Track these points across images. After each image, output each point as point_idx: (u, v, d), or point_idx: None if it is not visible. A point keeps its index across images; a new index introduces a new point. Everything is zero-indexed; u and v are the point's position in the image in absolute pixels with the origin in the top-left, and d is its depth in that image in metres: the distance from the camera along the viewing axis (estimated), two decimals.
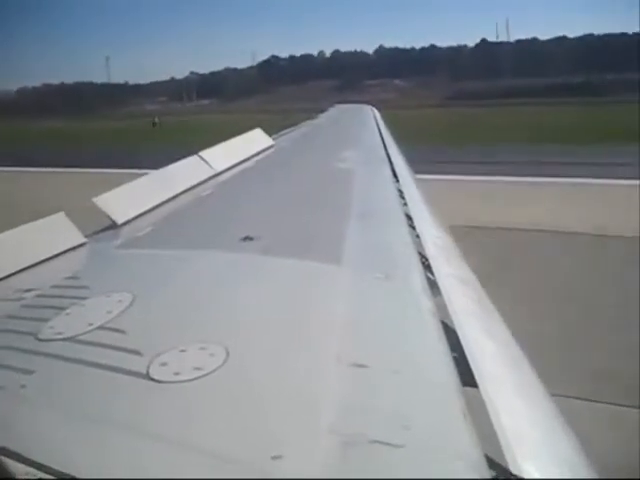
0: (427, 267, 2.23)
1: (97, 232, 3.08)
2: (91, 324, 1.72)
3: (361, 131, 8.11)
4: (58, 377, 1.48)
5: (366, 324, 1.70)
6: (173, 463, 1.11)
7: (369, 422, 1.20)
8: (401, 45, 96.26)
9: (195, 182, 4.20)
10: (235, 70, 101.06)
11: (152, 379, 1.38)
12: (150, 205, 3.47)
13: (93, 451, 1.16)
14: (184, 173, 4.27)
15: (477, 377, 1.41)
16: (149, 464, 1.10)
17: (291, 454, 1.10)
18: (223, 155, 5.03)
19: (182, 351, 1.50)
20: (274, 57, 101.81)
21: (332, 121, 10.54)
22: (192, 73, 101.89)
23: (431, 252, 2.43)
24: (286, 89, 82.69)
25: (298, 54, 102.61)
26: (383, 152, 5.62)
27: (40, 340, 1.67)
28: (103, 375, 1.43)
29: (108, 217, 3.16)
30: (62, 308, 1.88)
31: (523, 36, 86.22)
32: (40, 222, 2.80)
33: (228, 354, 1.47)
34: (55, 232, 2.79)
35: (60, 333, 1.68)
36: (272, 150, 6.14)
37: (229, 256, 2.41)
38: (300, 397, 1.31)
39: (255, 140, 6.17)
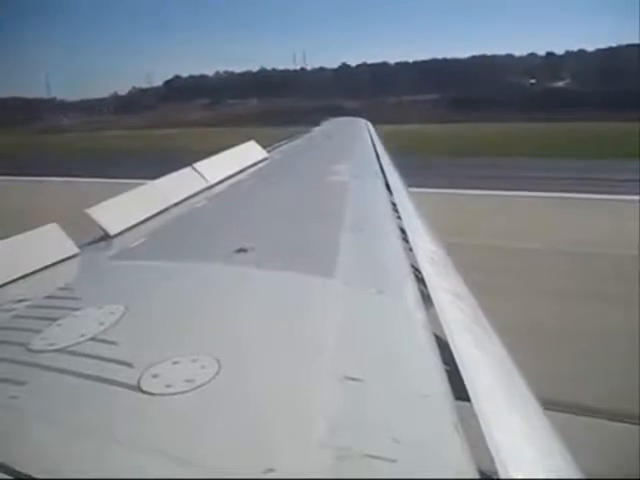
0: (420, 281, 2.23)
1: (90, 243, 3.06)
2: (83, 335, 1.71)
3: (355, 144, 8.14)
4: (49, 388, 1.47)
5: (359, 337, 1.70)
6: (163, 475, 1.10)
7: (361, 436, 1.20)
8: (280, 67, 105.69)
9: (189, 194, 4.21)
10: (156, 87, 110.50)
11: (143, 391, 1.38)
12: (143, 216, 3.46)
13: (84, 463, 1.15)
14: (178, 185, 4.27)
15: (470, 391, 1.41)
16: (139, 476, 1.10)
17: (283, 467, 1.10)
18: (217, 167, 5.04)
19: (174, 363, 1.49)
20: (177, 77, 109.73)
21: (326, 134, 10.58)
22: (134, 88, 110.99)
23: (424, 266, 2.44)
24: (172, 106, 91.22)
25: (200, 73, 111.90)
26: (377, 165, 5.65)
27: (31, 351, 1.66)
28: (94, 386, 1.42)
29: (101, 228, 3.16)
30: (54, 319, 1.87)
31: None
32: (33, 232, 2.79)
33: (220, 366, 1.46)
34: (48, 242, 2.79)
35: (52, 344, 1.67)
36: (266, 162, 6.15)
37: (222, 268, 2.40)
38: (292, 410, 1.31)
39: (249, 152, 6.19)
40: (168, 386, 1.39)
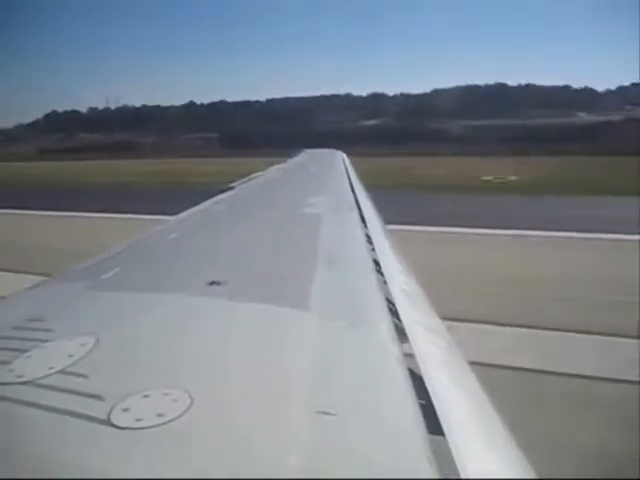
0: (394, 314, 2.24)
1: (62, 273, 3.02)
2: (52, 368, 1.67)
3: (330, 176, 8.22)
4: (16, 422, 1.43)
5: (333, 371, 1.69)
6: None
7: (334, 470, 1.19)
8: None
9: (162, 224, 4.19)
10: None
11: (113, 425, 1.35)
12: (116, 247, 3.43)
13: None
14: None
15: (444, 425, 1.41)
16: None
17: None
18: None
19: (145, 396, 1.47)
20: (54, 111, 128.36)
21: (301, 166, 10.67)
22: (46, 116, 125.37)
23: (398, 299, 2.45)
24: (35, 140, 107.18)
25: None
26: (352, 198, 5.70)
27: None
28: (63, 420, 1.39)
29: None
30: (23, 350, 1.83)
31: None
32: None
33: (192, 400, 1.44)
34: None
35: (20, 376, 1.64)
36: (241, 194, 6.17)
37: (195, 300, 2.38)
38: (264, 445, 1.29)
39: None
40: (139, 420, 1.36)
